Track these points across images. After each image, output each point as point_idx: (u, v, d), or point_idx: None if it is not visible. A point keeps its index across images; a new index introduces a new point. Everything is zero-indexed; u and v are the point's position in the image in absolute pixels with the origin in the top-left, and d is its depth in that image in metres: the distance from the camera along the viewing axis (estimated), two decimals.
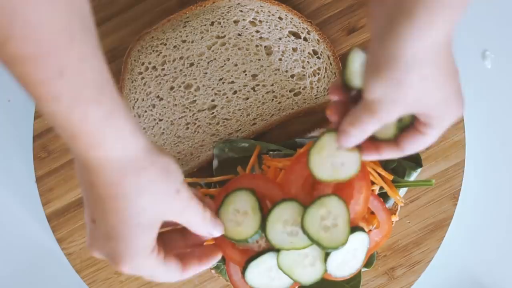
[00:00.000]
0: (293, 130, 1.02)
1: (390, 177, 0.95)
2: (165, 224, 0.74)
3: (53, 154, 1.02)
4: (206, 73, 0.99)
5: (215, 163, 0.99)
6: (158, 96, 0.99)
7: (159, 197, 0.69)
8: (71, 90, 0.59)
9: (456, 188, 1.02)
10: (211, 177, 0.99)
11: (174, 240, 0.80)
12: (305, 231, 0.88)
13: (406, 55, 0.65)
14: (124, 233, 0.69)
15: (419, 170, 0.98)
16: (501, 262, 1.05)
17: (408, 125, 0.75)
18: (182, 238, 0.80)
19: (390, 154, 0.77)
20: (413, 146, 0.76)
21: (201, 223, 0.76)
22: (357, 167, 0.83)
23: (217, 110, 1.00)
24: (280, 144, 0.99)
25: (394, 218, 0.97)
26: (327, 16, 1.02)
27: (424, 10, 0.63)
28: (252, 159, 0.97)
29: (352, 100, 0.77)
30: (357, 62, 0.75)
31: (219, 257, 0.81)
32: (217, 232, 0.79)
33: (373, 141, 0.78)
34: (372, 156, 0.79)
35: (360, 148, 0.80)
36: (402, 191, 0.98)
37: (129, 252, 0.70)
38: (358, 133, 0.75)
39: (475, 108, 1.05)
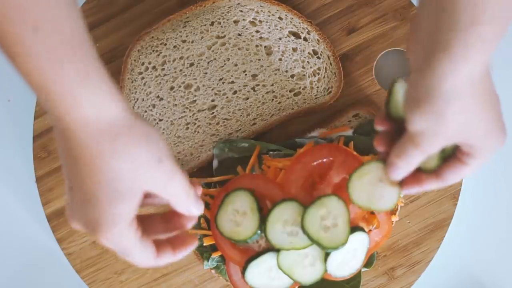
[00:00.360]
0: (293, 130, 1.02)
1: None
2: (146, 200, 0.72)
3: (53, 154, 1.02)
4: (206, 73, 0.99)
5: (215, 163, 1.00)
6: (158, 96, 0.99)
7: (138, 164, 0.67)
8: (46, 47, 0.59)
9: (456, 188, 1.02)
10: (211, 177, 0.99)
11: (154, 223, 0.78)
12: (305, 231, 0.88)
13: (445, 88, 0.66)
14: (101, 199, 0.67)
15: None
16: (501, 262, 1.05)
17: (450, 155, 0.75)
18: (163, 222, 0.78)
19: (431, 185, 0.77)
20: (454, 176, 0.76)
21: (184, 199, 0.74)
22: (393, 204, 0.83)
23: (217, 110, 1.00)
24: (280, 144, 0.99)
25: (394, 218, 0.97)
26: (327, 16, 1.02)
27: (460, 44, 0.64)
28: (252, 159, 0.97)
29: (399, 130, 0.77)
30: (400, 92, 0.75)
31: (193, 247, 0.78)
32: (197, 211, 0.76)
33: (414, 173, 0.78)
34: (414, 189, 0.79)
35: (401, 183, 0.79)
36: None
37: (106, 220, 0.68)
38: (405, 165, 0.75)
39: None
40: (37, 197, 1.03)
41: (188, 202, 0.74)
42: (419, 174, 0.78)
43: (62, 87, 0.61)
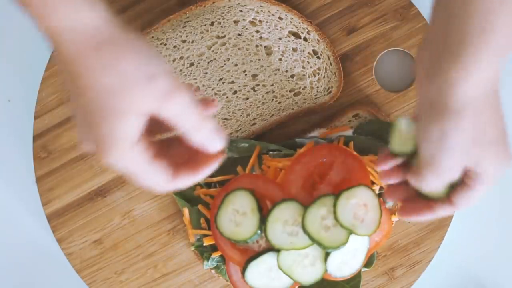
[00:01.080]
0: (293, 130, 1.02)
1: None
2: (159, 125, 0.67)
3: (53, 154, 1.02)
4: (206, 73, 0.99)
5: None
6: None
7: (126, 80, 0.61)
8: None
9: None
10: (211, 177, 0.99)
11: (173, 145, 0.71)
12: (305, 231, 0.88)
13: (457, 96, 0.64)
14: (97, 119, 0.62)
15: None
16: (501, 262, 1.05)
17: (458, 182, 0.74)
18: (183, 143, 0.70)
19: (443, 211, 0.75)
20: (464, 201, 0.74)
21: (194, 126, 0.66)
22: (372, 230, 0.88)
23: (217, 110, 1.00)
24: (280, 144, 0.99)
25: (394, 218, 0.97)
26: (327, 16, 1.02)
27: (471, 50, 0.62)
28: (252, 159, 0.97)
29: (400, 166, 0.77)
30: (404, 129, 0.75)
31: (215, 166, 0.71)
32: (213, 146, 0.68)
33: (426, 200, 0.77)
34: (426, 216, 0.76)
35: (412, 210, 0.78)
36: None
37: (106, 140, 0.63)
38: (427, 188, 0.73)
39: None
40: (37, 197, 1.03)
41: (199, 131, 0.66)
42: (429, 202, 0.76)
43: None
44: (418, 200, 0.76)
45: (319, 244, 0.88)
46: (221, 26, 0.99)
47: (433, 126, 0.67)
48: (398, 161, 0.77)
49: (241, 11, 0.99)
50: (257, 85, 1.00)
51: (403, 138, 0.75)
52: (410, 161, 0.76)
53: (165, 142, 0.70)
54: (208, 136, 0.67)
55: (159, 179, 0.68)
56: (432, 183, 0.71)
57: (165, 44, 0.99)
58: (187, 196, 0.99)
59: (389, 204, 0.97)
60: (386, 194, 0.79)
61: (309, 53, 0.99)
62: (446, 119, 0.66)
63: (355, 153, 0.94)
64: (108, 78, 0.61)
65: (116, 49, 0.61)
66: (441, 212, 0.76)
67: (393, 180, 0.77)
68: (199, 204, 0.98)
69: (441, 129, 0.67)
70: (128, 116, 0.62)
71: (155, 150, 0.67)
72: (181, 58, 0.99)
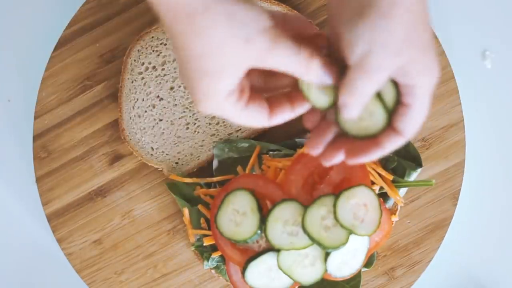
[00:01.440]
0: (293, 130, 1.02)
1: (390, 177, 0.95)
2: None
3: (53, 154, 1.02)
4: None
5: (215, 163, 1.00)
6: (158, 96, 0.99)
7: (220, 44, 0.65)
8: None
9: (456, 188, 1.01)
10: (211, 177, 0.99)
11: (274, 78, 0.74)
12: (305, 231, 0.89)
13: None
14: (192, 76, 0.68)
15: (419, 170, 0.98)
16: (501, 262, 1.05)
17: (394, 108, 0.72)
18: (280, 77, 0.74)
19: (391, 142, 0.72)
20: (408, 123, 0.71)
21: (301, 70, 0.69)
22: (372, 230, 0.88)
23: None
24: (280, 144, 0.99)
25: (394, 218, 0.97)
26: (327, 16, 1.02)
27: None
28: (252, 159, 0.97)
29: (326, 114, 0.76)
30: (311, 85, 0.72)
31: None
32: (326, 81, 0.70)
33: (372, 140, 0.73)
34: (376, 153, 0.73)
35: (360, 151, 0.74)
36: (402, 191, 0.98)
37: (201, 95, 0.69)
38: (359, 100, 0.70)
39: (475, 108, 1.05)
40: (37, 197, 1.03)
41: (310, 75, 0.69)
42: (374, 139, 0.73)
43: None
44: (362, 141, 0.73)
45: (319, 244, 0.88)
46: None
47: (363, 27, 0.66)
48: (320, 113, 0.75)
49: None
50: None
51: (318, 89, 0.72)
52: (332, 117, 0.74)
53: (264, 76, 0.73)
54: (318, 75, 0.70)
55: (256, 120, 0.73)
56: (363, 88, 0.69)
57: (165, 44, 0.99)
58: (187, 196, 0.99)
59: (389, 204, 0.97)
60: (323, 158, 0.75)
61: None
62: (377, 18, 0.66)
63: None
64: (201, 44, 0.65)
65: (206, 19, 0.65)
66: (389, 144, 0.73)
67: (327, 137, 0.75)
68: (199, 204, 0.98)
69: (371, 29, 0.66)
70: (222, 77, 0.67)
71: (250, 92, 0.72)
72: None
